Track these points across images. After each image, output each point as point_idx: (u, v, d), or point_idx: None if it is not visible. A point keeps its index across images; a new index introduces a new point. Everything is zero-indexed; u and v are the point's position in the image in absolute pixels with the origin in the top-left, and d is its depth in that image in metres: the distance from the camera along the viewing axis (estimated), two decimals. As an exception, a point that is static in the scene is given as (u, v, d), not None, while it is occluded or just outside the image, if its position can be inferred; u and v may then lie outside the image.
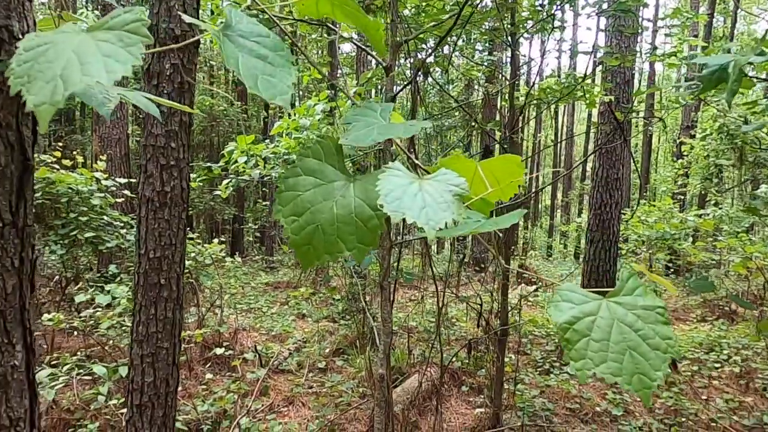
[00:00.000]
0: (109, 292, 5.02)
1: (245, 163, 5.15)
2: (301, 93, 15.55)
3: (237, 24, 0.63)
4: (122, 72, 0.49)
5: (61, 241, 5.67)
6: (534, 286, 11.03)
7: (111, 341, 5.34)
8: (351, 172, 0.63)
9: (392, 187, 0.60)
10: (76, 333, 5.80)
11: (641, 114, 13.83)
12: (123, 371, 4.15)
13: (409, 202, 0.58)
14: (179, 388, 4.54)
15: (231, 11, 0.63)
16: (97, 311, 4.99)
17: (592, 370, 0.54)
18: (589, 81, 5.06)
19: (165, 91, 2.61)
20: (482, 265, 12.56)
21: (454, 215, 0.55)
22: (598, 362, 0.54)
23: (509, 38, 5.31)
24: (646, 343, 0.55)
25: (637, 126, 19.19)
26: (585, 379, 0.53)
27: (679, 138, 13.52)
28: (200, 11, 3.20)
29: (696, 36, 6.22)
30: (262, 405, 4.95)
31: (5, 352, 1.14)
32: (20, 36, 1.09)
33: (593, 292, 0.60)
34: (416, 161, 0.69)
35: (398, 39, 2.38)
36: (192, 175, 5.07)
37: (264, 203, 11.64)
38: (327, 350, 6.61)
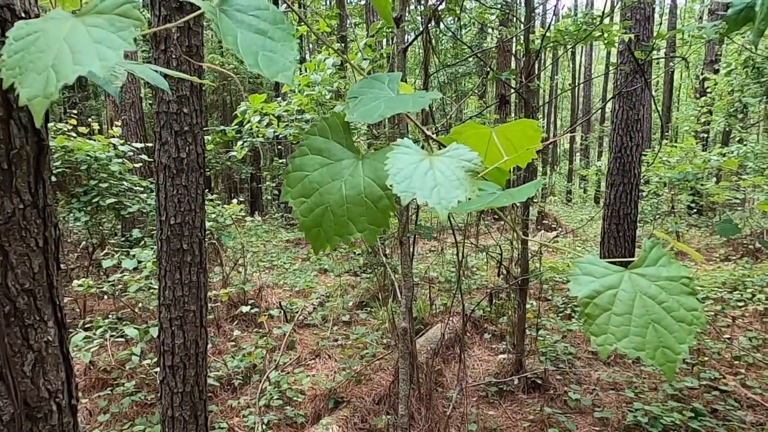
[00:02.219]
0: (134, 256, 5.13)
1: (258, 122, 5.12)
2: (311, 47, 15.21)
3: (233, -3, 0.60)
4: (115, 59, 0.47)
5: (84, 208, 5.77)
6: (554, 232, 11.00)
7: (140, 303, 5.49)
8: (362, 149, 0.61)
9: (402, 165, 0.57)
10: (106, 296, 5.98)
11: (662, 52, 13.31)
12: (154, 332, 4.28)
13: (420, 181, 0.56)
14: (209, 346, 4.68)
15: (227, -17, 0.60)
16: (125, 275, 5.12)
17: (614, 345, 0.53)
18: (607, 20, 4.85)
19: (173, 56, 2.57)
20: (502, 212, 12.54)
21: (467, 193, 0.53)
22: (620, 337, 0.53)
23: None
24: (670, 316, 0.54)
25: (658, 63, 18.52)
26: (606, 354, 0.52)
27: (702, 74, 13.03)
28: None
29: (721, -36, 5.87)
30: (290, 359, 5.09)
31: (38, 329, 1.17)
32: (22, 14, 1.06)
33: (615, 262, 0.57)
34: (428, 133, 0.66)
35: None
36: (207, 138, 5.06)
37: (280, 160, 11.65)
38: (350, 304, 6.72)
